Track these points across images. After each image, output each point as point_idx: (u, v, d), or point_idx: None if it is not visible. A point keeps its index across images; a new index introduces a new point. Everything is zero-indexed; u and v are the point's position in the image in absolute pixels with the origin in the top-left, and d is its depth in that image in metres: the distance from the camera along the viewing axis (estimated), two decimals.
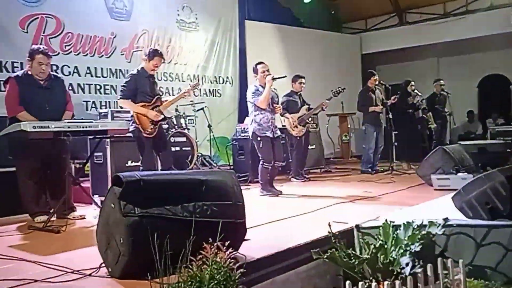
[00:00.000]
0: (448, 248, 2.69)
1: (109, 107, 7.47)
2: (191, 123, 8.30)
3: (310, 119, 7.25)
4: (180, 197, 2.67)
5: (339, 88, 7.19)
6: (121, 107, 5.56)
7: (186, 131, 7.57)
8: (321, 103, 7.10)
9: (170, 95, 8.55)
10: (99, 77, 7.75)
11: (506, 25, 10.11)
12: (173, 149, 6.84)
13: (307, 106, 7.17)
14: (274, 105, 5.81)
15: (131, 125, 4.92)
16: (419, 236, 2.53)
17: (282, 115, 6.85)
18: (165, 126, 5.99)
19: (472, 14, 10.69)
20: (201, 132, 8.51)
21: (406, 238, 2.56)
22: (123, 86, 4.98)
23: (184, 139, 7.41)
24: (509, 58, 11.02)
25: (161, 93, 5.37)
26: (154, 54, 4.96)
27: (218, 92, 9.73)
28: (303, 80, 7.16)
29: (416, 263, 2.40)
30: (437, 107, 8.88)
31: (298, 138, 7.08)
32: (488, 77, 11.65)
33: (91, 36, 7.67)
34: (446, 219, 2.65)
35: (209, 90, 9.54)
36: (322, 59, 11.10)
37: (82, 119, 4.51)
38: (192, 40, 9.26)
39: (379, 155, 7.99)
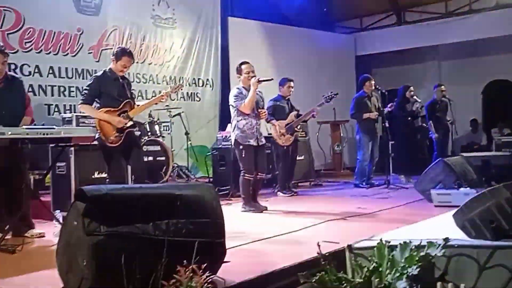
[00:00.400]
0: (448, 271, 2.69)
1: (74, 112, 7.41)
2: (166, 130, 8.27)
3: (298, 126, 7.29)
4: (152, 214, 2.65)
5: (331, 93, 7.25)
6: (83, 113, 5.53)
7: (160, 139, 7.54)
8: (311, 109, 7.14)
9: (143, 98, 8.53)
10: (64, 77, 7.70)
11: None
12: (145, 159, 6.80)
13: (295, 112, 7.20)
14: (259, 110, 5.82)
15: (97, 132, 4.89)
16: (417, 258, 2.54)
17: (268, 121, 6.87)
18: (138, 133, 5.96)
19: (477, 13, 10.85)
20: (177, 140, 8.48)
21: (403, 260, 2.56)
22: (84, 89, 4.97)
23: (158, 148, 7.37)
24: None
25: (134, 97, 5.30)
26: (122, 53, 4.94)
27: (197, 96, 9.72)
28: (291, 84, 7.20)
29: None
30: (438, 115, 8.98)
31: (285, 147, 7.10)
32: (493, 82, 11.81)
33: (54, 32, 7.62)
34: (446, 239, 2.66)
35: (187, 93, 9.54)
36: (313, 61, 11.18)
37: (43, 124, 4.45)
38: (169, 38, 9.26)
39: (374, 167, 8.05)
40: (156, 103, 5.39)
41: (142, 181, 4.93)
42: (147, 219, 2.62)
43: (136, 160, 5.03)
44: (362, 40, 12.44)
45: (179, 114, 8.21)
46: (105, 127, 4.88)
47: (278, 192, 7.20)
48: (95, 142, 4.91)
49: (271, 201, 6.56)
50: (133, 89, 5.31)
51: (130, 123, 4.94)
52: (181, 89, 5.95)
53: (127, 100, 4.98)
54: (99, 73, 5.03)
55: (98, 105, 4.95)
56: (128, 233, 2.54)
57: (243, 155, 5.67)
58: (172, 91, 5.35)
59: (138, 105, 5.12)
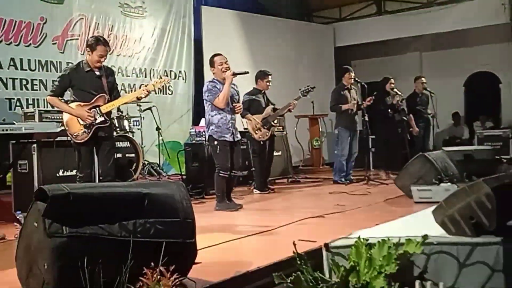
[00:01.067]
0: (427, 269, 2.72)
1: (37, 106, 7.30)
2: (136, 125, 8.20)
3: (275, 121, 7.29)
4: (118, 214, 2.63)
5: (308, 87, 7.27)
6: (52, 106, 5.44)
7: (130, 134, 7.47)
8: (288, 103, 7.15)
9: None
10: (26, 70, 7.57)
11: (497, 17, 10.40)
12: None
13: (272, 106, 7.20)
14: (234, 104, 5.81)
15: None
16: (395, 256, 2.56)
17: (243, 116, 6.86)
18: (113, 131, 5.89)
19: (459, 3, 10.97)
20: (148, 136, 8.42)
21: (381, 259, 2.57)
22: (55, 81, 4.91)
23: (127, 144, 7.31)
24: (499, 53, 11.33)
25: (116, 88, 5.20)
26: (97, 43, 4.88)
27: (169, 89, 9.66)
28: (270, 78, 7.19)
29: (392, 287, 2.42)
30: (419, 108, 9.07)
31: (262, 143, 7.11)
32: (476, 74, 11.98)
33: (16, 21, 7.48)
34: (425, 236, 2.69)
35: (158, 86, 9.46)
36: (290, 52, 11.21)
37: (4, 120, 4.38)
38: (139, 28, 9.18)
39: (353, 162, 8.10)
40: (138, 99, 5.23)
41: (111, 180, 4.87)
42: (113, 220, 2.60)
43: (104, 158, 4.96)
44: (341, 30, 12.50)
45: (149, 108, 8.15)
46: (72, 122, 4.82)
47: (254, 190, 7.20)
48: (61, 138, 4.85)
49: (246, 199, 6.56)
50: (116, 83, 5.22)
51: (101, 119, 4.88)
52: (168, 83, 5.87)
53: (101, 94, 4.91)
54: (73, 65, 5.00)
55: (72, 99, 4.90)
56: (92, 235, 2.51)
57: (218, 151, 5.65)
58: (157, 85, 5.29)
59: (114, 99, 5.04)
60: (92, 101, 4.88)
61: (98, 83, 4.93)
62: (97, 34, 8.20)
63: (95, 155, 4.97)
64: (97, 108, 4.88)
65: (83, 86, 4.87)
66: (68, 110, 4.83)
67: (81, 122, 4.82)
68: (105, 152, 4.97)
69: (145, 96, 5.13)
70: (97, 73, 4.94)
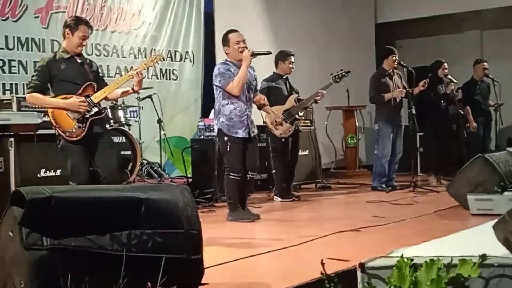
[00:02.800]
0: None
1: (15, 92, 7.37)
2: (133, 117, 8.25)
3: (301, 113, 7.28)
4: (109, 224, 2.65)
5: (342, 71, 7.25)
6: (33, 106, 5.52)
7: (126, 128, 7.51)
8: (316, 92, 7.14)
9: (105, 77, 8.48)
10: (3, 49, 7.65)
11: None
12: None
13: (296, 95, 7.19)
14: (255, 94, 5.81)
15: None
16: (447, 280, 2.55)
17: (260, 108, 6.89)
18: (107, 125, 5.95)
19: None
20: (148, 130, 8.45)
21: (429, 283, 2.57)
22: (32, 76, 4.96)
23: (122, 139, 7.35)
24: None
25: (101, 78, 5.27)
26: (78, 22, 4.93)
27: (173, 73, 9.67)
28: (292, 59, 7.18)
29: None
30: (478, 99, 9.00)
31: (284, 140, 7.10)
32: None
33: None
34: (484, 256, 2.67)
35: (161, 70, 9.50)
36: (320, 29, 11.17)
37: None
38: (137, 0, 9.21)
39: (397, 165, 8.07)
40: (134, 91, 5.17)
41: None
42: (103, 230, 2.62)
43: (105, 159, 5.01)
44: (384, 3, 12.43)
45: (150, 96, 8.18)
46: (62, 117, 4.83)
47: (275, 197, 7.21)
48: (44, 132, 4.90)
49: (265, 207, 6.55)
50: (101, 73, 5.29)
51: (95, 109, 4.91)
52: (162, 61, 5.92)
53: (89, 83, 4.96)
54: (48, 55, 5.05)
55: (54, 95, 4.92)
56: (78, 247, 2.54)
57: (228, 149, 5.66)
58: (149, 64, 5.30)
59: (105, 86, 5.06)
60: (80, 91, 4.90)
61: (81, 71, 4.97)
62: (87, 7, 8.31)
63: (91, 157, 4.97)
64: (88, 99, 4.91)
65: (65, 76, 4.90)
66: (56, 103, 4.84)
67: (72, 116, 4.84)
68: (106, 150, 5.01)
69: (139, 78, 5.05)
70: (78, 60, 4.99)
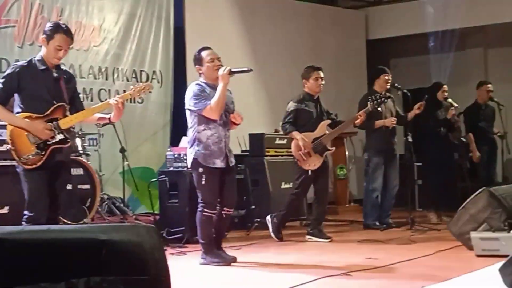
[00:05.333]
0: None
1: None
2: (93, 146, 8.23)
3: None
4: (65, 269, 2.62)
5: (381, 96, 7.27)
6: None
7: (83, 158, 7.49)
8: (355, 116, 7.17)
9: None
10: None
11: None
12: None
13: (328, 121, 7.15)
14: (233, 115, 5.81)
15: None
16: None
17: (287, 132, 6.85)
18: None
19: None
20: (109, 160, 8.44)
21: None
22: None
23: (80, 171, 7.33)
24: None
25: (77, 97, 5.29)
26: (56, 30, 4.93)
27: (138, 97, 9.68)
28: (320, 74, 7.13)
29: None
30: (482, 126, 9.10)
31: (310, 173, 7.03)
32: None
33: None
34: None
35: (124, 92, 9.49)
36: (306, 46, 11.26)
37: None
38: (98, 13, 9.27)
39: (394, 200, 8.10)
40: (110, 120, 5.25)
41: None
42: (57, 277, 2.59)
43: (55, 190, 5.00)
44: (376, 18, 12.60)
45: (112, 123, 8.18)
46: (21, 139, 4.81)
47: (308, 237, 7.15)
48: None
49: (243, 249, 6.53)
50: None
51: (60, 136, 4.90)
52: (150, 91, 5.93)
53: (60, 104, 4.94)
54: (22, 62, 5.02)
55: (20, 110, 4.90)
56: None
57: (204, 182, 5.65)
58: (134, 94, 5.35)
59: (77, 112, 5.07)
60: (48, 112, 4.88)
61: (56, 88, 4.96)
62: (40, 21, 8.32)
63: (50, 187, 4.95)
64: (55, 123, 4.90)
65: (35, 90, 4.88)
66: (16, 122, 4.82)
67: (32, 140, 4.81)
68: (63, 183, 5.02)
69: (119, 110, 5.10)
70: (55, 74, 4.97)
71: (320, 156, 7.05)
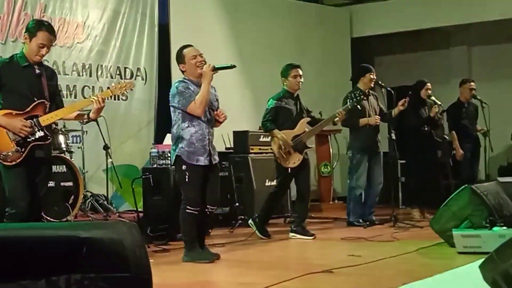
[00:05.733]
0: None
1: None
2: (76, 143, 8.19)
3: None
4: (45, 267, 2.61)
5: (361, 94, 7.30)
6: None
7: (67, 155, 7.45)
8: (334, 114, 7.16)
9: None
10: None
11: None
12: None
13: (307, 119, 7.17)
14: (216, 112, 5.80)
15: None
16: None
17: (268, 130, 6.83)
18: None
19: None
20: (92, 157, 8.41)
21: None
22: None
23: (63, 168, 7.30)
24: None
25: (58, 94, 5.31)
26: (38, 27, 4.92)
27: (120, 94, 9.64)
28: (300, 72, 7.14)
29: None
30: (465, 124, 9.13)
31: (289, 170, 7.04)
32: None
33: None
34: None
35: (108, 89, 9.46)
36: (290, 44, 11.27)
37: None
38: (82, 9, 9.22)
39: (377, 197, 8.14)
40: (89, 117, 5.23)
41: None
42: (38, 274, 2.58)
43: (35, 186, 4.99)
44: (360, 15, 12.57)
45: (95, 119, 8.13)
46: (0, 136, 4.81)
47: (293, 235, 7.13)
48: None
49: (227, 246, 6.52)
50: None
51: (40, 133, 4.90)
52: (131, 89, 5.92)
53: (41, 101, 4.94)
54: (4, 59, 5.09)
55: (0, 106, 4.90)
56: None
57: (187, 179, 5.64)
58: (115, 91, 5.36)
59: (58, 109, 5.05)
60: (28, 109, 4.88)
61: (37, 85, 4.96)
62: (24, 18, 8.27)
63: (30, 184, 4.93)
64: (35, 120, 4.90)
65: (16, 87, 4.89)
66: None
67: (12, 136, 4.81)
68: (43, 180, 5.00)
69: (99, 107, 5.09)
70: (37, 71, 4.97)
71: (300, 154, 7.05)
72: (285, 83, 7.18)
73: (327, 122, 7.29)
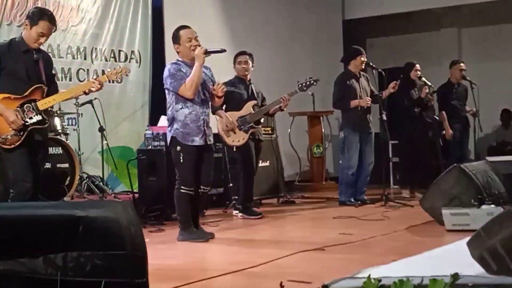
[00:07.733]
0: None
1: None
2: (71, 125, 8.18)
3: (262, 120, 7.34)
4: (43, 245, 2.62)
5: (311, 80, 7.34)
6: None
7: (63, 137, 7.46)
8: (279, 98, 7.19)
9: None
10: None
11: None
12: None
13: (254, 102, 7.26)
14: (213, 87, 5.81)
15: None
16: None
17: (213, 112, 6.91)
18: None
19: None
20: (88, 139, 8.40)
21: None
22: None
23: (59, 150, 7.30)
24: None
25: (53, 79, 5.34)
26: (40, 16, 4.94)
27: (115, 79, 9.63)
28: (244, 58, 7.26)
29: None
30: (455, 104, 9.15)
31: (235, 149, 7.15)
32: None
33: None
34: (456, 275, 2.72)
35: (103, 72, 9.43)
36: (283, 27, 11.25)
37: None
38: None
39: (368, 177, 8.17)
40: (86, 93, 5.30)
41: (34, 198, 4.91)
42: (36, 252, 2.59)
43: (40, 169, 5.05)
44: None
45: (90, 101, 8.12)
46: None
47: (235, 212, 7.24)
48: None
49: (221, 226, 6.57)
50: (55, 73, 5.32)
51: (37, 117, 4.92)
52: (126, 74, 5.98)
53: (39, 85, 4.96)
54: (3, 42, 5.05)
55: None
56: (7, 272, 2.51)
57: (182, 160, 5.66)
58: (111, 76, 5.40)
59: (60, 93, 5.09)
60: (26, 93, 4.91)
61: (35, 70, 4.99)
62: (18, 2, 8.23)
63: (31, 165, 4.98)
64: (33, 104, 4.92)
65: (15, 71, 4.92)
66: None
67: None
68: (36, 159, 5.03)
69: (96, 90, 5.20)
70: (35, 55, 4.99)
71: (245, 133, 7.14)
72: (234, 69, 7.33)
73: (272, 106, 7.29)
